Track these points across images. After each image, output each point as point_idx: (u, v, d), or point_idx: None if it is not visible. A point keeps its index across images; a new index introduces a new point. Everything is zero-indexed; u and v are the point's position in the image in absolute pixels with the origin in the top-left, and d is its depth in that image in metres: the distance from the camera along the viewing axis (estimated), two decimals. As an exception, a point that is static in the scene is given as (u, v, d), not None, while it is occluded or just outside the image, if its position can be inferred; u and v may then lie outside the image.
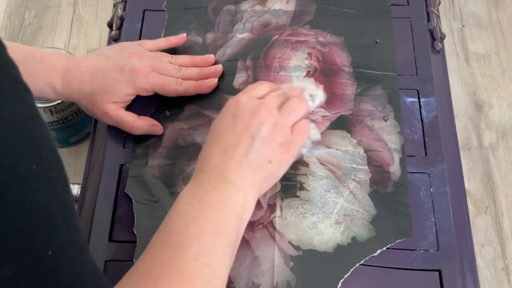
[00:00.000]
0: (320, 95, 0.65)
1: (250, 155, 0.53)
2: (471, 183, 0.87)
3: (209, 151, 0.54)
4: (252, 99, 0.56)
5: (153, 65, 0.65)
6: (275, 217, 0.60)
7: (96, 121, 0.70)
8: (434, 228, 0.61)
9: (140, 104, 0.68)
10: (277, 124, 0.55)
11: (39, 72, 0.61)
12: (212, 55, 0.70)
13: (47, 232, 0.34)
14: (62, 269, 0.35)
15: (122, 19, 0.76)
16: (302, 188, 0.62)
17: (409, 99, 0.69)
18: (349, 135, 0.66)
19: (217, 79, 0.68)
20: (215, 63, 0.70)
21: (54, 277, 0.35)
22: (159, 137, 0.66)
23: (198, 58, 0.69)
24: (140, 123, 0.65)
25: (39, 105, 0.96)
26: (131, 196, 0.62)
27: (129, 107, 0.68)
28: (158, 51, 0.69)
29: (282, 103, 0.58)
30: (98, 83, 0.62)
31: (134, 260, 0.58)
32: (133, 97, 0.65)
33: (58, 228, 0.35)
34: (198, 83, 0.67)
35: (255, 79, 0.69)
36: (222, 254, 0.49)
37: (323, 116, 0.67)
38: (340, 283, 0.57)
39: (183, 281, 0.46)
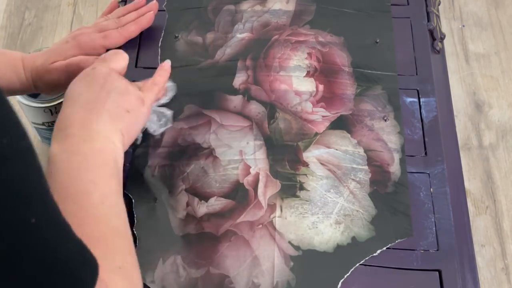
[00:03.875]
0: (170, 86, 0.67)
1: (108, 105, 0.55)
2: (471, 183, 0.87)
3: (67, 111, 0.55)
4: (105, 67, 0.59)
5: (93, 29, 0.72)
6: (275, 217, 0.60)
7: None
8: (434, 228, 0.61)
9: (140, 104, 0.68)
10: (131, 84, 0.59)
11: (4, 62, 0.69)
12: None
13: (27, 199, 0.35)
14: (49, 237, 0.36)
15: (122, 19, 0.76)
16: (302, 188, 0.62)
17: (409, 99, 0.69)
18: (349, 135, 0.66)
19: (153, 12, 0.73)
20: (215, 63, 0.71)
21: (43, 245, 0.35)
22: (159, 137, 0.66)
23: (130, 5, 0.75)
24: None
25: (39, 105, 0.96)
26: (131, 196, 0.62)
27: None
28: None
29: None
30: (47, 54, 0.70)
31: (134, 260, 0.58)
32: None
33: (38, 195, 0.36)
34: (136, 20, 0.72)
35: (255, 79, 0.69)
36: (118, 192, 0.52)
37: (323, 116, 0.67)
38: (340, 283, 0.57)
39: (99, 223, 0.48)
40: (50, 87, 0.69)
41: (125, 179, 0.63)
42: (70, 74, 0.67)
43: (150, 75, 0.70)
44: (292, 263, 0.58)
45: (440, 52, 0.74)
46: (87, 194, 0.50)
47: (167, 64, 0.65)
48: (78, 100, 0.56)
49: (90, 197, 0.50)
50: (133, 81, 0.70)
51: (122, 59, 0.61)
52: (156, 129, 0.65)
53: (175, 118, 0.67)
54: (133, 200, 0.61)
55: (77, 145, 0.52)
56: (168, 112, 0.65)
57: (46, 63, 0.68)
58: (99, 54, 0.69)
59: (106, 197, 0.51)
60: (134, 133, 0.59)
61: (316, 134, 0.66)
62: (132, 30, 0.72)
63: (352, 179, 0.63)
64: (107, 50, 0.70)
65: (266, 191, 0.62)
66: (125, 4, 0.77)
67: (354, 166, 0.64)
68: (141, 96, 0.59)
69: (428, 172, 0.64)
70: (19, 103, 0.97)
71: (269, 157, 0.64)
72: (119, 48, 0.72)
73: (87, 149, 0.52)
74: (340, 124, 0.67)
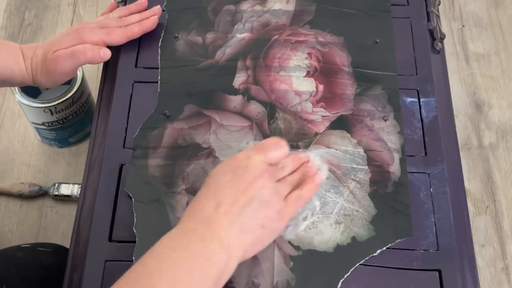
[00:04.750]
0: (324, 170, 0.59)
1: (245, 215, 0.51)
2: (471, 183, 0.87)
3: (201, 202, 0.52)
4: (259, 162, 0.54)
5: (96, 24, 0.71)
6: (275, 217, 0.60)
7: (96, 121, 0.70)
8: (434, 228, 0.61)
9: (140, 104, 0.68)
10: (278, 191, 0.53)
11: (5, 51, 0.69)
12: (144, 0, 0.76)
13: None
14: None
15: (122, 19, 0.76)
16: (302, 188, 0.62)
17: (409, 99, 0.69)
18: (349, 135, 0.66)
19: (157, 16, 0.73)
20: (215, 63, 0.71)
21: None
22: (159, 137, 0.66)
23: (132, 5, 0.75)
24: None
25: (39, 105, 0.96)
26: (131, 196, 0.62)
27: (129, 107, 0.68)
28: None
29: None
30: (47, 45, 0.69)
31: (134, 260, 0.58)
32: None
33: None
34: (140, 22, 0.72)
35: (255, 79, 0.69)
36: None
37: (323, 116, 0.67)
38: (340, 283, 0.57)
39: None
40: (51, 77, 0.69)
41: (125, 179, 0.63)
42: (74, 61, 0.67)
43: (150, 75, 0.70)
44: (292, 263, 0.58)
45: (440, 52, 0.74)
46: (152, 278, 0.46)
47: (318, 179, 0.56)
48: (218, 192, 0.51)
49: (155, 282, 0.46)
50: (138, 82, 0.70)
51: (282, 152, 0.56)
52: (297, 226, 0.58)
53: (175, 118, 0.67)
54: (133, 200, 0.61)
55: (190, 241, 0.49)
56: (317, 203, 0.59)
57: (48, 52, 0.68)
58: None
59: None
60: (260, 248, 0.53)
61: (316, 134, 0.66)
62: (135, 31, 0.72)
63: (352, 179, 0.63)
64: (108, 47, 0.70)
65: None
66: (125, 5, 0.77)
67: (354, 166, 0.64)
68: (282, 210, 0.53)
69: (428, 172, 0.64)
70: (19, 103, 0.97)
71: (269, 157, 0.64)
72: (119, 47, 0.72)
73: (197, 249, 0.48)
74: (340, 124, 0.67)
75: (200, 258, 0.48)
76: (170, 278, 0.46)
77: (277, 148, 0.56)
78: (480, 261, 0.80)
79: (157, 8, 0.74)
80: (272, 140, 0.57)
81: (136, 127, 0.67)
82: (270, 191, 0.53)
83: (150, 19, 0.73)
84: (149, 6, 0.76)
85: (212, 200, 0.51)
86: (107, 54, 0.69)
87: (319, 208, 0.59)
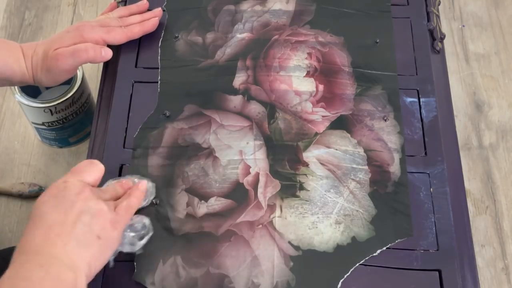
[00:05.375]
0: (150, 187, 0.61)
1: (78, 231, 0.50)
2: (471, 183, 0.88)
3: (29, 234, 0.50)
4: (77, 181, 0.54)
5: (96, 23, 0.71)
6: (275, 217, 0.60)
7: (96, 121, 0.70)
8: (434, 228, 0.61)
9: (140, 104, 0.68)
10: (105, 203, 0.53)
11: (6, 49, 0.68)
12: (145, 1, 0.76)
13: None
14: None
15: (122, 19, 0.76)
16: (302, 188, 0.62)
17: (409, 99, 0.69)
18: (349, 135, 0.66)
19: (158, 18, 0.73)
20: (215, 63, 0.71)
21: None
22: (159, 137, 0.66)
23: (133, 6, 0.76)
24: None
25: (39, 105, 0.96)
26: (131, 196, 0.62)
27: (129, 107, 0.68)
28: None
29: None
30: (48, 43, 0.69)
31: (135, 261, 0.58)
32: None
33: None
34: (142, 23, 0.73)
35: (255, 79, 0.69)
36: None
37: (323, 116, 0.67)
38: (340, 283, 0.57)
39: None
40: (51, 75, 0.69)
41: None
42: (76, 59, 0.67)
43: (150, 75, 0.70)
44: (292, 263, 0.58)
45: (440, 52, 0.74)
46: None
47: (142, 186, 0.59)
48: (44, 220, 0.50)
49: None
50: (138, 82, 0.70)
51: (97, 171, 0.56)
52: (134, 246, 0.57)
53: (175, 118, 0.67)
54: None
55: (30, 271, 0.47)
56: (146, 220, 0.58)
57: (49, 50, 0.68)
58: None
59: None
60: (103, 262, 0.53)
61: (316, 134, 0.66)
62: (136, 32, 0.72)
63: (352, 179, 0.63)
64: (109, 46, 0.70)
65: (266, 191, 0.62)
66: (125, 5, 0.77)
67: (354, 166, 0.64)
68: (114, 219, 0.53)
69: (428, 172, 0.64)
70: (19, 103, 0.97)
71: (269, 157, 0.64)
72: (119, 47, 0.72)
73: (41, 275, 0.46)
74: (340, 124, 0.67)
75: (46, 282, 0.46)
76: None
77: (91, 167, 0.56)
78: (480, 261, 0.80)
79: (158, 10, 0.74)
80: (86, 162, 0.57)
81: (136, 127, 0.67)
82: (96, 202, 0.52)
83: (151, 20, 0.73)
84: (149, 6, 0.76)
85: (40, 229, 0.50)
86: (108, 53, 0.69)
87: (148, 223, 0.58)
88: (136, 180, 0.60)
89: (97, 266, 0.52)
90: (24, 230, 0.51)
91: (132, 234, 0.57)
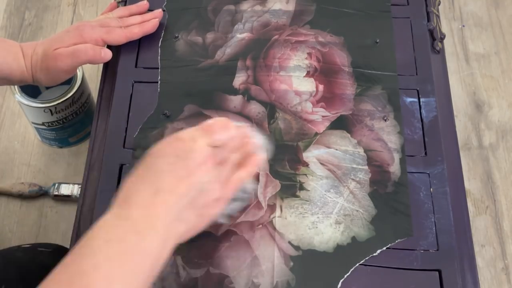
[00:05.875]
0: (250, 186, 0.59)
1: (183, 205, 0.49)
2: (471, 183, 0.88)
3: (138, 185, 0.50)
4: (204, 146, 0.51)
5: (96, 23, 0.71)
6: (275, 217, 0.60)
7: (96, 121, 0.70)
8: (434, 228, 0.61)
9: (140, 104, 0.68)
10: (218, 178, 0.52)
11: (5, 49, 0.69)
12: (145, 1, 0.76)
13: None
14: None
15: (122, 19, 0.76)
16: (302, 188, 0.62)
17: (409, 99, 0.69)
18: (349, 135, 0.66)
19: (158, 19, 0.73)
20: (215, 63, 0.71)
21: None
22: (159, 137, 0.66)
23: (133, 6, 0.75)
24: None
25: (39, 105, 0.96)
26: (131, 196, 0.62)
27: (129, 107, 0.68)
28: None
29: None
30: (47, 42, 0.69)
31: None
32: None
33: None
34: (141, 24, 0.72)
35: (255, 79, 0.69)
36: None
37: (323, 116, 0.67)
38: (340, 283, 0.57)
39: None
40: (51, 75, 0.69)
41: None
42: (75, 60, 0.67)
43: (150, 75, 0.70)
44: (292, 263, 0.58)
45: (440, 52, 0.74)
46: (87, 276, 0.44)
47: (259, 160, 0.55)
48: (156, 178, 0.49)
49: (90, 280, 0.44)
50: (138, 82, 0.70)
51: (228, 133, 0.54)
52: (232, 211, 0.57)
53: (175, 118, 0.67)
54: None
55: (126, 233, 0.47)
56: (249, 186, 0.57)
57: (48, 50, 0.68)
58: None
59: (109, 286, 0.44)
60: (195, 233, 0.52)
61: (316, 134, 0.66)
62: (135, 32, 0.72)
63: (352, 179, 0.63)
64: (108, 46, 0.70)
65: (266, 191, 0.62)
66: (125, 5, 0.77)
67: (354, 166, 0.64)
68: (220, 197, 0.52)
69: (428, 172, 0.64)
70: (19, 103, 0.97)
71: (269, 157, 0.64)
72: (119, 47, 0.72)
73: (133, 243, 0.47)
74: (340, 124, 0.67)
75: (135, 252, 0.47)
76: (106, 275, 0.44)
77: (225, 130, 0.54)
78: (480, 261, 0.80)
79: (159, 12, 0.74)
80: (220, 123, 0.54)
81: (136, 127, 0.67)
82: (211, 180, 0.51)
83: (151, 21, 0.73)
84: (149, 6, 0.76)
85: (149, 185, 0.49)
86: (108, 54, 0.69)
87: (251, 188, 0.58)
88: (258, 139, 0.57)
89: (188, 237, 0.51)
90: (134, 171, 0.50)
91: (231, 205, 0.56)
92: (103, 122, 0.69)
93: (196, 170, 0.50)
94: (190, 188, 0.49)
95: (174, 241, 0.49)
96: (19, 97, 0.96)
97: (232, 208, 0.57)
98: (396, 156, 0.65)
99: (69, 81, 0.98)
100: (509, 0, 1.07)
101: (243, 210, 0.59)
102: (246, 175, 0.54)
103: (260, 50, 0.72)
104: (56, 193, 1.06)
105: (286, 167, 0.64)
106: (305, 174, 0.63)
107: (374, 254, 0.59)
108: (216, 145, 0.52)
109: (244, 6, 0.76)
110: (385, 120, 0.67)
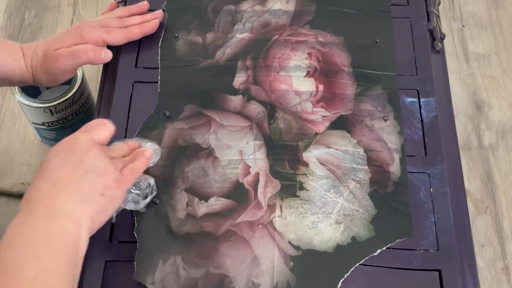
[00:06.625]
0: (156, 150, 0.62)
1: (83, 186, 0.52)
2: (471, 183, 0.88)
3: (38, 185, 0.52)
4: (86, 139, 0.56)
5: (96, 23, 0.72)
6: (275, 217, 0.60)
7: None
8: (434, 228, 0.61)
9: (140, 104, 0.68)
10: (112, 162, 0.55)
11: (5, 49, 0.69)
12: (145, 2, 0.76)
13: None
14: None
15: (122, 19, 0.76)
16: (302, 188, 0.62)
17: (409, 99, 0.69)
18: (349, 135, 0.66)
19: (158, 20, 0.73)
20: (215, 63, 0.71)
21: None
22: (159, 137, 0.66)
23: (133, 6, 0.75)
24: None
25: (39, 105, 0.96)
26: (131, 196, 0.62)
27: (129, 107, 0.68)
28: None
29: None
30: (48, 43, 0.69)
31: (135, 261, 0.58)
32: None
33: None
34: (142, 25, 0.73)
35: (255, 79, 0.69)
36: (63, 273, 0.48)
37: (323, 116, 0.67)
38: (340, 283, 0.57)
39: None
40: (51, 76, 0.69)
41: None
42: (75, 61, 0.67)
43: (150, 75, 0.70)
44: (292, 263, 0.58)
45: (440, 52, 0.74)
46: (21, 269, 0.46)
47: (148, 153, 0.60)
48: (51, 174, 0.53)
49: (24, 272, 0.46)
50: (138, 82, 0.70)
51: (106, 131, 0.58)
52: (138, 204, 0.60)
53: (175, 118, 0.67)
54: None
55: (37, 221, 0.50)
56: (151, 180, 0.61)
57: (49, 50, 0.68)
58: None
59: (44, 274, 0.47)
60: (105, 218, 0.55)
61: (316, 134, 0.66)
62: (135, 33, 0.72)
63: (352, 179, 0.63)
64: (108, 47, 0.70)
65: (266, 191, 0.62)
66: (125, 5, 0.77)
67: (354, 166, 0.64)
68: (119, 178, 0.55)
69: (428, 172, 0.64)
70: (19, 103, 0.98)
71: (269, 157, 0.64)
72: (119, 47, 0.72)
73: (46, 226, 0.50)
74: (340, 124, 0.67)
75: (52, 232, 0.50)
76: (32, 255, 0.47)
77: (102, 127, 0.58)
78: (480, 261, 0.80)
79: (159, 12, 0.74)
80: (96, 121, 0.59)
81: (136, 127, 0.67)
82: (103, 161, 0.54)
83: (151, 22, 0.73)
84: (149, 6, 0.76)
85: (47, 181, 0.52)
86: (108, 55, 0.69)
87: (153, 183, 0.60)
88: (143, 144, 0.61)
89: (99, 222, 0.54)
90: (32, 182, 0.53)
91: (136, 192, 0.59)
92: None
93: (85, 155, 0.54)
94: (85, 171, 0.53)
95: (87, 222, 0.52)
96: (19, 97, 0.96)
97: (144, 202, 0.60)
98: (396, 156, 0.65)
99: (69, 81, 0.98)
100: (509, 0, 1.07)
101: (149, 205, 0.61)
102: (140, 164, 0.58)
103: (260, 50, 0.72)
104: (56, 193, 1.06)
105: (286, 167, 0.64)
106: (305, 174, 0.63)
107: (374, 254, 0.59)
108: (99, 142, 0.57)
109: (244, 6, 0.76)
110: (385, 120, 0.67)
